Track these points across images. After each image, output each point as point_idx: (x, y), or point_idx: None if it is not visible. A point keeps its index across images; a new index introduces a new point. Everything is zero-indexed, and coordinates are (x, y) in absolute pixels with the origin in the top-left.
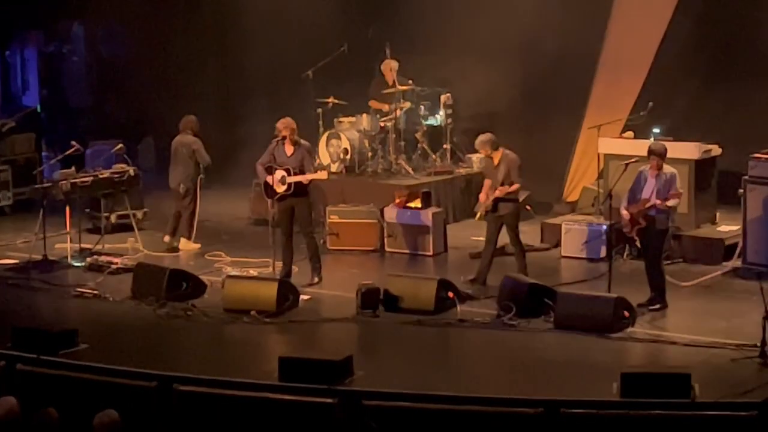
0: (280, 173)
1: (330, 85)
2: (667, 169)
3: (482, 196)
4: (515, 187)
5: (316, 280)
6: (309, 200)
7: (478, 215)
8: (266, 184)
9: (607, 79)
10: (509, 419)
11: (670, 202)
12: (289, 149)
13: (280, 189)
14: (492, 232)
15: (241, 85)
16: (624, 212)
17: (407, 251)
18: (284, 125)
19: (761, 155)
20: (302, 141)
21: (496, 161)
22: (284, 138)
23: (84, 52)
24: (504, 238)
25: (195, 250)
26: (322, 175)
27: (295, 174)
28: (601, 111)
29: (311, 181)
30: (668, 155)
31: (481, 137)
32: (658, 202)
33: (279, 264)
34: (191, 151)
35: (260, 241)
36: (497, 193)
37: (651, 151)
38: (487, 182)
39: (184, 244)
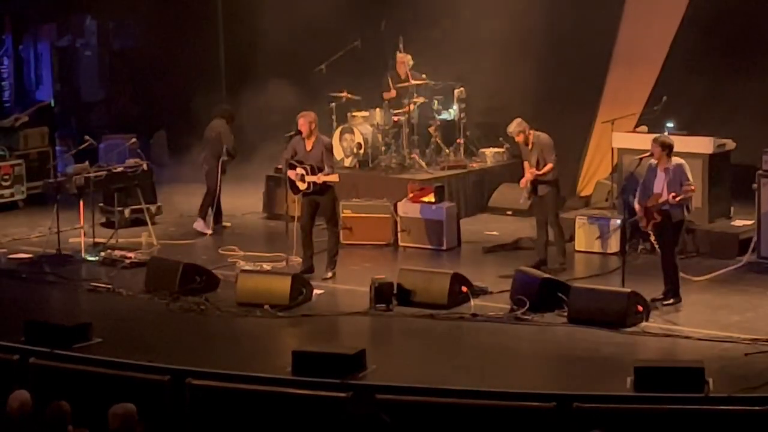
0: (300, 171)
1: (343, 79)
2: (674, 160)
3: (523, 182)
4: (549, 167)
5: (329, 274)
6: (333, 195)
7: (522, 201)
8: (290, 179)
9: (620, 73)
10: (522, 414)
11: (682, 197)
12: (308, 144)
13: (302, 186)
14: (541, 215)
15: (254, 79)
16: (638, 207)
17: (420, 246)
18: (303, 120)
19: None
20: (323, 137)
21: (530, 145)
22: (300, 132)
23: (97, 46)
24: (517, 232)
25: (206, 234)
26: (333, 177)
27: (313, 172)
28: (614, 105)
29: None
30: (683, 149)
31: (515, 124)
32: (671, 197)
33: (292, 258)
34: (217, 134)
35: (273, 236)
36: (529, 176)
37: (653, 140)
38: (526, 164)
39: (198, 224)
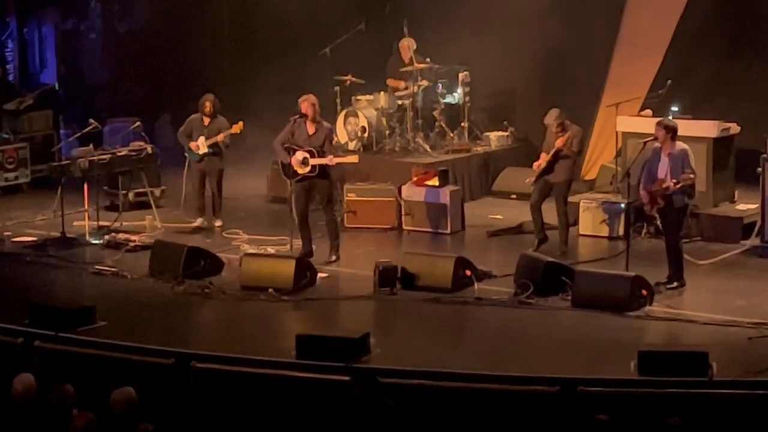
0: (301, 154)
1: (347, 63)
2: (678, 145)
3: (536, 165)
4: (560, 140)
5: (333, 258)
6: (330, 180)
7: (529, 179)
8: (286, 164)
9: (625, 56)
10: (526, 397)
11: (682, 184)
12: (310, 128)
13: (303, 170)
14: (536, 199)
15: (259, 62)
16: (643, 192)
17: (425, 229)
18: (306, 103)
19: None
20: (325, 122)
21: (559, 135)
22: (305, 116)
23: (101, 28)
24: (521, 216)
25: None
26: (353, 159)
27: (319, 155)
28: (619, 89)
29: (338, 163)
30: (687, 133)
31: (554, 116)
32: (672, 184)
33: (298, 241)
34: None
35: (278, 219)
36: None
37: (657, 123)
38: (543, 155)
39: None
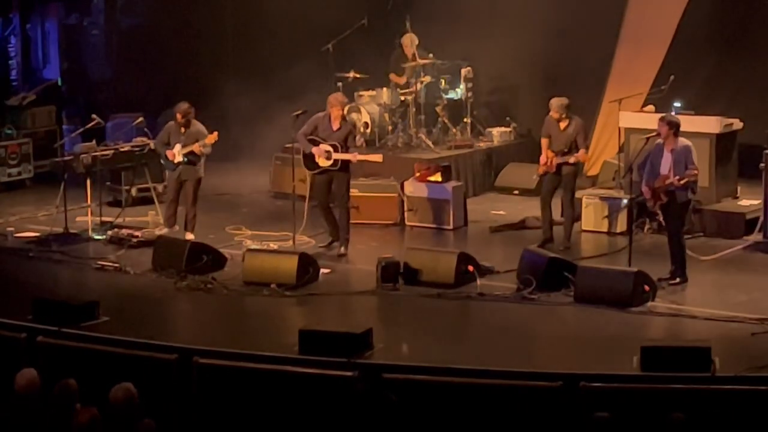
0: (325, 147)
1: (350, 58)
2: (681, 142)
3: (543, 158)
4: (582, 153)
5: (343, 250)
6: (349, 175)
7: (536, 175)
8: (309, 155)
9: (628, 52)
10: (528, 393)
11: (685, 180)
12: (335, 124)
13: (325, 163)
14: (547, 191)
15: (262, 57)
16: (645, 189)
17: (427, 225)
18: (339, 101)
19: None
20: (347, 117)
21: (563, 126)
22: (339, 114)
23: (104, 24)
24: (524, 211)
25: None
26: (377, 158)
27: (342, 150)
28: (622, 85)
29: (360, 161)
30: (690, 129)
31: (561, 101)
32: (676, 180)
33: (300, 237)
34: None
35: (281, 215)
36: (572, 160)
37: (660, 119)
38: (544, 141)
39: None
